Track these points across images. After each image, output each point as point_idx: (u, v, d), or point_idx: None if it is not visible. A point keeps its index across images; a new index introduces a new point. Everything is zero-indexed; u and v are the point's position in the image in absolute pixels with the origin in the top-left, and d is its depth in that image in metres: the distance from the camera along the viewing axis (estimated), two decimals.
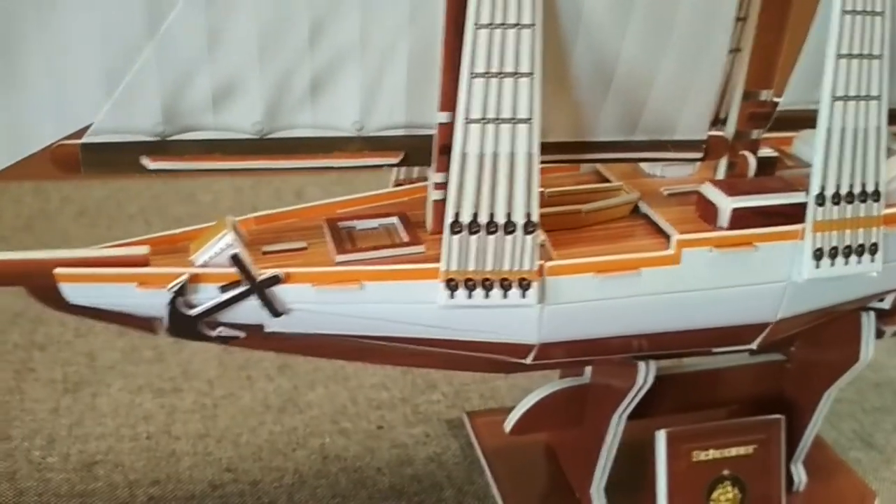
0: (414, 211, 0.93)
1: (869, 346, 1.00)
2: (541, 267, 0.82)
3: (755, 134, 0.95)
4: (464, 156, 0.78)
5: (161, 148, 0.80)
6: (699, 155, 0.91)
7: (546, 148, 0.81)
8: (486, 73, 0.76)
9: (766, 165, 0.95)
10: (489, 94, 0.76)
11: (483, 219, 0.79)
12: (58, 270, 0.80)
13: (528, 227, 0.80)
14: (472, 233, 0.80)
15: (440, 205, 0.88)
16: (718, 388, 1.12)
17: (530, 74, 0.76)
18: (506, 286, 0.81)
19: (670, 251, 0.85)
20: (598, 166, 1.02)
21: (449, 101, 0.82)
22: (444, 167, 0.86)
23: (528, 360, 0.91)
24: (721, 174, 0.96)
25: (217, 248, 0.83)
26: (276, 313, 0.82)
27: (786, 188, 0.90)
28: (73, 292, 0.81)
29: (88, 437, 1.14)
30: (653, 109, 0.87)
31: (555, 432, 1.14)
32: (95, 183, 1.82)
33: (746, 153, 0.94)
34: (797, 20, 0.89)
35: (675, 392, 1.06)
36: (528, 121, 0.77)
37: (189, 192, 1.84)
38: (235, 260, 0.80)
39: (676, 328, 0.90)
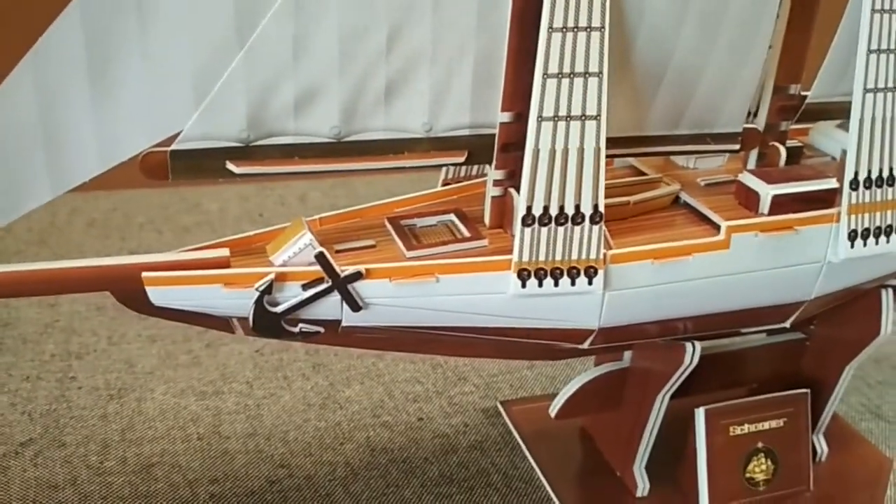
0: (467, 207, 0.98)
1: (889, 320, 1.08)
2: (604, 255, 0.87)
3: (783, 126, 1.02)
4: (536, 152, 0.83)
5: (245, 153, 0.84)
6: (737, 147, 0.97)
7: None
8: (559, 73, 0.81)
9: (793, 155, 1.02)
10: (561, 93, 0.82)
11: (553, 211, 0.85)
12: (145, 274, 0.83)
13: (595, 218, 0.85)
14: (542, 225, 0.85)
15: (498, 200, 0.93)
16: (743, 368, 1.18)
17: (599, 74, 0.81)
18: (573, 274, 0.87)
19: (721, 237, 0.92)
20: (633, 160, 1.08)
21: (511, 102, 0.88)
22: (504, 164, 0.91)
23: (585, 345, 0.96)
24: (752, 164, 1.02)
25: (296, 248, 0.87)
26: (356, 308, 0.86)
27: (817, 175, 0.97)
28: (159, 295, 0.84)
29: (141, 440, 1.16)
30: (697, 104, 0.93)
31: (591, 416, 1.20)
32: (101, 194, 1.83)
33: (777, 144, 1.01)
34: (823, 19, 0.96)
35: (704, 372, 1.13)
36: (596, 117, 0.83)
37: (195, 200, 1.86)
38: (320, 258, 0.84)
39: (723, 309, 0.96)
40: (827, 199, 0.96)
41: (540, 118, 0.82)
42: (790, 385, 1.14)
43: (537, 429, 1.23)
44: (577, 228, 0.85)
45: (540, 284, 0.86)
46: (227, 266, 0.86)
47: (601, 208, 0.85)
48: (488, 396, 1.31)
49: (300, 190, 1.94)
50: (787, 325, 1.04)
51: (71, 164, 0.79)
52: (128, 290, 0.84)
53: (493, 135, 0.90)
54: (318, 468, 1.15)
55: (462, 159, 0.90)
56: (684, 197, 0.99)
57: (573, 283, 0.87)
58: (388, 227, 0.94)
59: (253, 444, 1.17)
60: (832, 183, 0.96)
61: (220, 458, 1.15)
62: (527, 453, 1.19)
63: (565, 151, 0.83)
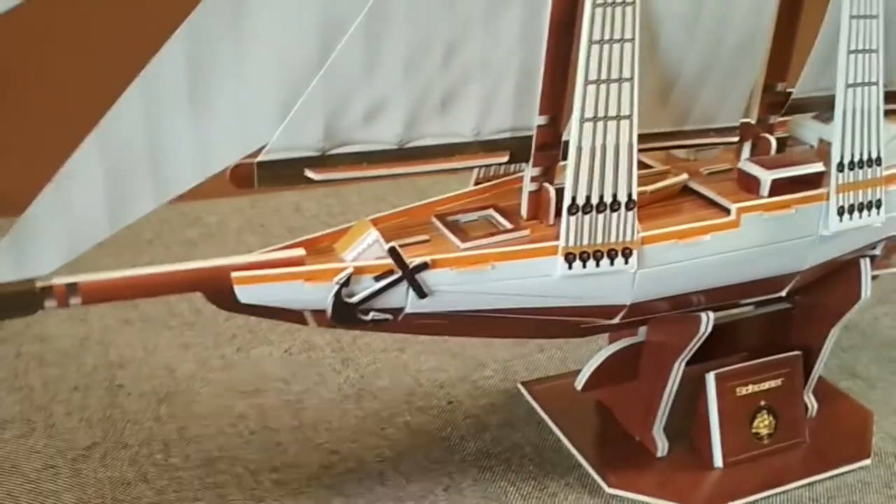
0: (501, 202, 1.09)
1: (868, 285, 1.23)
2: (638, 237, 1.00)
3: (771, 119, 1.16)
4: (579, 149, 0.95)
5: (321, 162, 0.93)
6: (736, 139, 1.11)
7: None
8: (598, 80, 0.93)
9: (780, 145, 1.16)
10: (599, 97, 0.94)
11: (594, 200, 0.97)
12: (234, 274, 0.92)
13: (630, 205, 0.98)
14: (585, 213, 0.97)
15: (535, 194, 1.05)
16: (739, 336, 1.32)
17: (630, 79, 0.94)
18: (612, 255, 0.99)
19: (732, 217, 1.05)
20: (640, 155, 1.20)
21: (547, 106, 1.00)
22: (540, 162, 1.03)
23: (616, 320, 1.08)
24: (745, 154, 1.16)
25: (365, 245, 0.97)
26: (422, 295, 0.97)
27: (805, 161, 1.11)
28: (246, 293, 0.93)
29: (199, 438, 1.24)
30: (703, 103, 1.06)
31: (607, 390, 1.32)
32: None
33: (767, 135, 1.15)
34: (802, 26, 1.11)
35: (706, 342, 1.26)
36: (628, 117, 0.95)
37: (194, 215, 1.93)
38: (392, 252, 0.94)
39: (732, 282, 1.10)
40: (815, 181, 1.10)
41: (582, 120, 0.94)
42: (780, 350, 1.28)
43: (559, 404, 1.34)
44: (615, 215, 0.97)
45: (584, 266, 0.98)
46: (303, 264, 0.96)
47: (634, 196, 0.97)
48: (507, 379, 1.42)
49: (294, 199, 2.02)
50: (783, 294, 1.18)
51: (171, 176, 0.88)
52: (218, 289, 0.93)
53: (531, 136, 1.01)
54: (365, 452, 1.24)
55: (505, 159, 1.01)
56: (692, 185, 1.12)
57: (612, 263, 0.99)
58: (437, 223, 1.05)
59: (301, 435, 1.26)
60: (819, 167, 1.10)
61: (275, 450, 1.23)
62: (553, 426, 1.31)
63: (603, 148, 0.95)
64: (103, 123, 0.84)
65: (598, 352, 1.23)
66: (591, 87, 0.93)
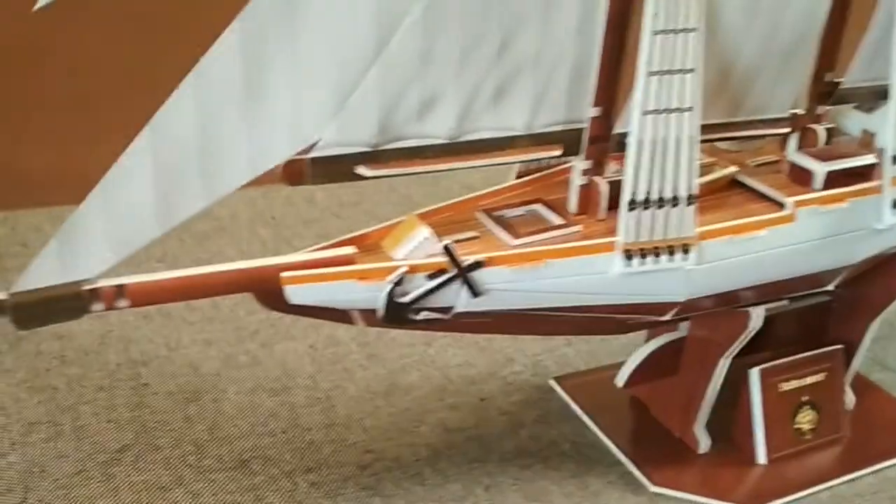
0: (548, 197, 1.06)
1: None
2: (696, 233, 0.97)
3: (819, 110, 1.13)
4: (640, 142, 0.92)
5: (373, 157, 0.90)
6: (787, 129, 1.09)
7: None
8: (660, 71, 0.90)
9: (828, 136, 1.14)
10: (662, 88, 0.91)
11: (654, 195, 0.94)
12: (283, 274, 0.89)
13: (690, 200, 0.95)
14: (645, 208, 0.94)
15: (585, 189, 1.02)
16: (775, 331, 1.30)
17: (693, 70, 0.91)
18: (671, 251, 0.96)
19: (787, 211, 1.03)
20: None
21: (601, 98, 0.97)
22: (591, 155, 1.00)
23: (668, 317, 1.06)
24: (793, 146, 1.14)
25: (416, 242, 0.94)
26: (476, 294, 0.94)
27: (856, 153, 1.09)
28: (297, 293, 0.90)
29: (230, 438, 1.20)
30: (756, 94, 1.04)
31: (643, 387, 1.30)
32: None
33: (815, 126, 1.13)
34: (856, 16, 1.08)
35: None
36: (691, 109, 0.92)
37: None
38: (447, 249, 0.91)
39: (785, 277, 1.08)
40: (867, 173, 1.08)
41: (644, 112, 0.91)
42: (816, 344, 1.27)
43: (594, 400, 1.32)
44: (675, 210, 0.95)
45: (643, 262, 0.96)
46: (353, 263, 0.93)
47: (694, 190, 0.95)
48: (538, 374, 1.39)
49: (307, 190, 1.97)
50: (832, 287, 1.17)
51: (223, 173, 0.84)
52: (268, 289, 0.90)
53: (582, 129, 0.98)
54: (401, 450, 1.21)
55: (560, 152, 0.98)
56: (741, 178, 1.10)
57: (671, 260, 0.96)
58: (483, 218, 1.02)
59: (335, 434, 1.23)
60: (871, 159, 1.08)
61: (308, 449, 1.20)
62: (589, 423, 1.28)
63: (665, 141, 0.93)
64: (156, 120, 0.80)
65: (630, 346, 1.22)
66: (654, 79, 0.90)
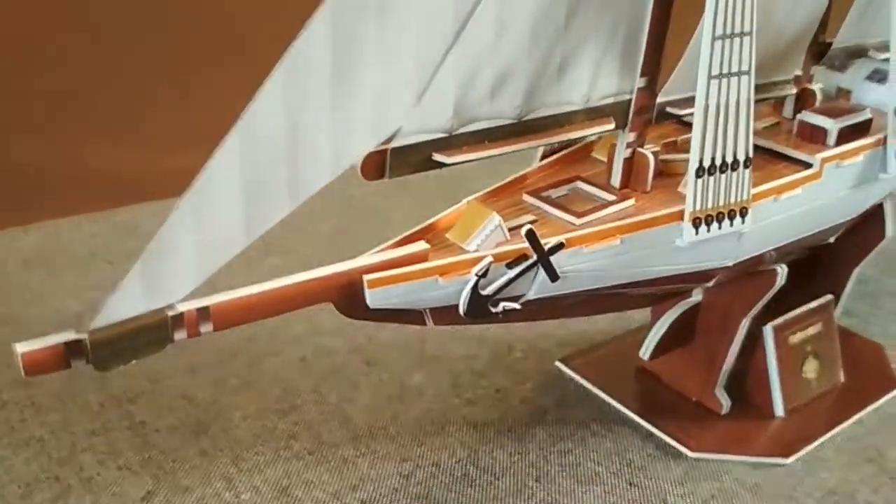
0: (580, 173, 1.04)
1: (891, 224, 1.29)
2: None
3: (812, 70, 1.18)
4: (706, 108, 0.92)
5: (447, 143, 0.85)
6: (794, 90, 1.12)
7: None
8: (724, 34, 0.90)
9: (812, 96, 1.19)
10: (724, 53, 0.91)
11: (718, 161, 0.94)
12: (367, 277, 0.82)
13: (747, 163, 0.96)
14: (710, 175, 0.94)
15: (629, 161, 1.01)
16: None
17: (750, 33, 0.92)
18: (732, 216, 0.97)
19: (815, 169, 1.06)
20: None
21: (648, 68, 0.96)
22: (636, 127, 0.99)
23: (710, 284, 1.07)
24: (789, 107, 1.18)
25: (487, 231, 0.90)
26: (555, 278, 0.90)
27: (854, 109, 1.14)
28: (377, 296, 0.84)
29: (259, 467, 1.11)
30: (776, 57, 1.06)
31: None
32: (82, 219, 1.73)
33: (810, 86, 1.17)
34: None
35: None
36: (748, 72, 0.93)
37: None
38: (529, 235, 0.87)
39: (810, 232, 1.11)
40: (866, 128, 1.13)
41: (709, 76, 0.91)
42: (807, 293, 1.32)
43: (605, 376, 1.32)
44: (735, 174, 0.95)
45: (708, 229, 0.96)
46: (427, 259, 0.87)
47: (750, 153, 0.96)
48: (541, 358, 1.38)
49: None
50: (832, 240, 1.22)
51: (308, 172, 0.77)
52: (350, 295, 0.83)
53: (628, 101, 0.97)
54: (437, 454, 1.16)
55: (612, 126, 0.97)
56: (757, 141, 1.12)
57: (731, 224, 0.97)
58: (533, 201, 0.98)
59: (364, 447, 1.16)
60: (868, 114, 1.14)
61: (344, 466, 1.12)
62: (608, 399, 1.28)
63: (727, 105, 0.93)
64: (243, 122, 0.72)
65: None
66: (718, 43, 0.90)
